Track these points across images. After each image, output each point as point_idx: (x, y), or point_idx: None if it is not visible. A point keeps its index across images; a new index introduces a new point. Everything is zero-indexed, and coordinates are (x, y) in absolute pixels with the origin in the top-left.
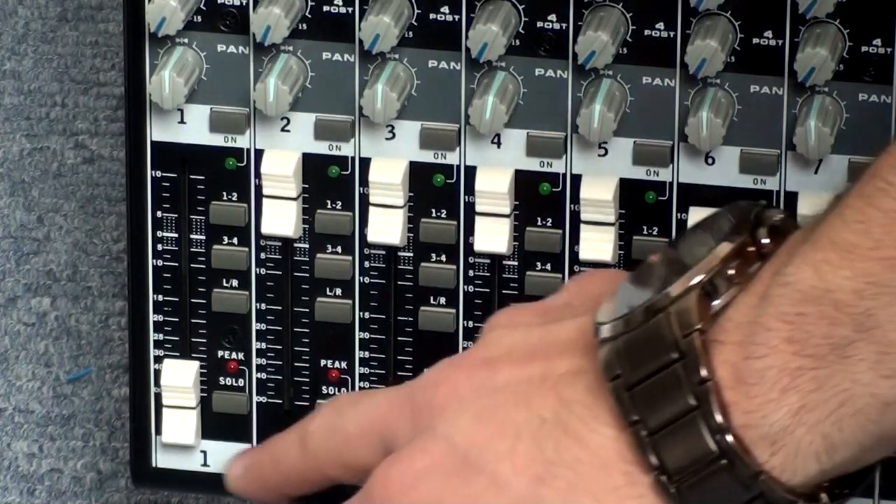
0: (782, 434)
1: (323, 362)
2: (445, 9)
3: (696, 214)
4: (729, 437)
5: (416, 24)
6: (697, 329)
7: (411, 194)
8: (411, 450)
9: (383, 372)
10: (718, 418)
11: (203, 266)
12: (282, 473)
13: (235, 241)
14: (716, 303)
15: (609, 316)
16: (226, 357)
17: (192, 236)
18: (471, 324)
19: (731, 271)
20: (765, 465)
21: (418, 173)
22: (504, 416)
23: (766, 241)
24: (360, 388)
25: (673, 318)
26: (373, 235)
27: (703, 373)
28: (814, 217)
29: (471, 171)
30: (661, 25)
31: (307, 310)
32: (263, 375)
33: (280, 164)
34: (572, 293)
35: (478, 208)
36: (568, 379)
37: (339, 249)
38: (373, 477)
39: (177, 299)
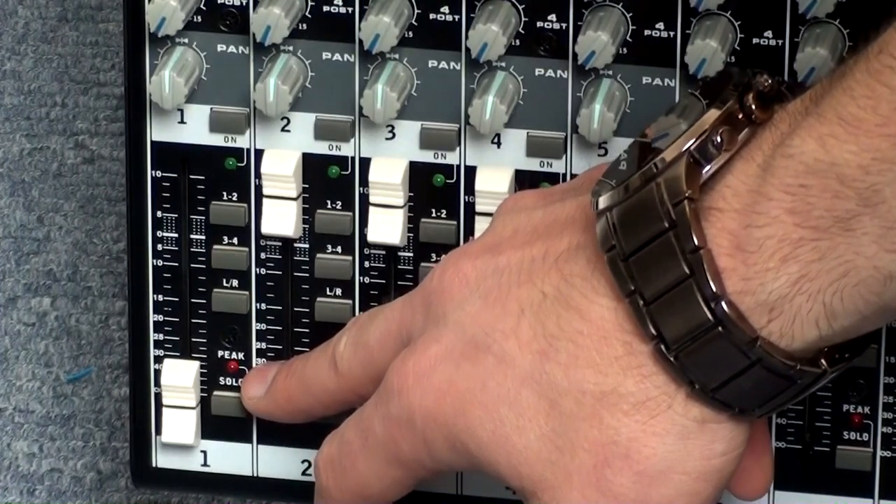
0: (781, 302)
1: None
2: (445, 9)
3: None
4: (723, 304)
5: (416, 24)
6: (687, 197)
7: (411, 194)
8: (424, 340)
9: None
10: (712, 286)
11: (203, 266)
12: (314, 396)
13: (235, 241)
14: (706, 170)
15: (607, 186)
16: (226, 357)
17: (192, 236)
18: None
19: (719, 138)
20: (761, 332)
21: (418, 173)
22: (508, 296)
23: (753, 107)
24: None
25: (663, 187)
26: (373, 235)
27: (695, 241)
28: (812, 86)
29: (471, 171)
30: (661, 25)
31: (307, 310)
32: None
33: (280, 164)
34: (579, 179)
35: (478, 208)
36: (569, 254)
37: (339, 249)
38: (390, 371)
39: (177, 299)
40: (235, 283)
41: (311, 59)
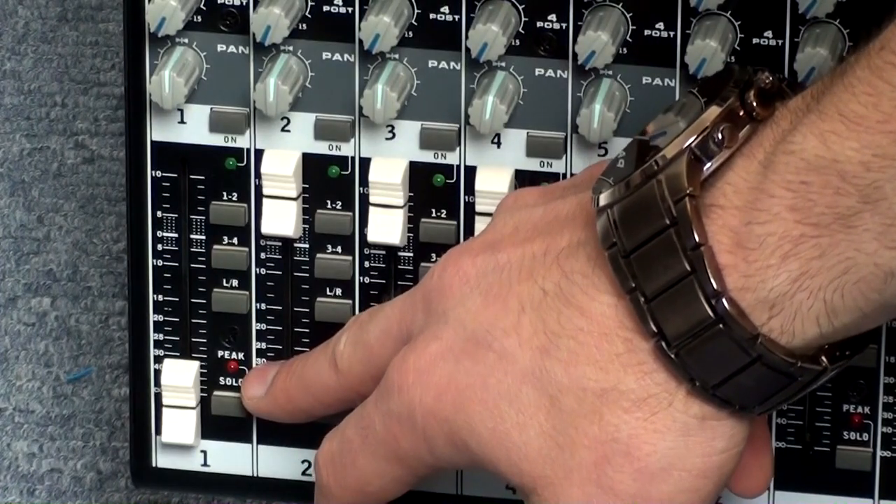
0: (781, 299)
1: None
2: (445, 9)
3: None
4: (724, 301)
5: (416, 24)
6: (688, 194)
7: (411, 194)
8: (425, 337)
9: None
10: (713, 283)
11: (203, 266)
12: (314, 396)
13: (235, 241)
14: (707, 167)
15: (606, 184)
16: (226, 357)
17: (192, 236)
18: None
19: (720, 135)
20: (762, 328)
21: (418, 173)
22: (509, 293)
23: (754, 104)
24: None
25: (664, 184)
26: (373, 235)
27: (696, 238)
28: (814, 83)
29: (471, 171)
30: (661, 25)
31: (307, 310)
32: None
33: (280, 164)
34: (579, 176)
35: (478, 208)
36: (570, 251)
37: (339, 249)
38: (390, 368)
39: (177, 299)
40: (235, 283)
41: (311, 59)
